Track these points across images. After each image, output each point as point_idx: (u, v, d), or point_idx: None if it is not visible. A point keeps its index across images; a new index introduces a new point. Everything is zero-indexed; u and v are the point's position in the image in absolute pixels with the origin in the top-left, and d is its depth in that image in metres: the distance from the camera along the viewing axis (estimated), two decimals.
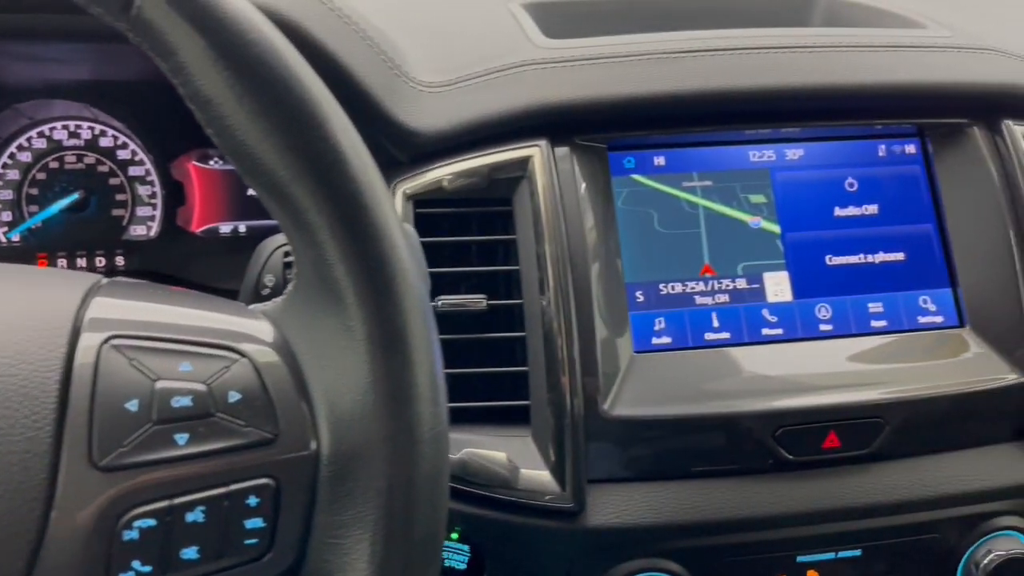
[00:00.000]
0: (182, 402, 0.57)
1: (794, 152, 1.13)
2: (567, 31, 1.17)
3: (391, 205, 0.62)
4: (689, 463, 1.02)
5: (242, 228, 1.36)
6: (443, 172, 1.04)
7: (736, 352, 1.06)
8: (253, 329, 0.63)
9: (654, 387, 1.02)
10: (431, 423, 0.60)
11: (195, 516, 0.56)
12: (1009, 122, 1.13)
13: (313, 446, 0.60)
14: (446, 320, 1.02)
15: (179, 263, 1.34)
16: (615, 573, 1.00)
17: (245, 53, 0.58)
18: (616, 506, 1.00)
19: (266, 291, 0.85)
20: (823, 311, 1.09)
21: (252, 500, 0.58)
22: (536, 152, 1.03)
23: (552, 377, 0.99)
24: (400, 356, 0.60)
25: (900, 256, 1.12)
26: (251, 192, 1.36)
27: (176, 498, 0.56)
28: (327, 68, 0.99)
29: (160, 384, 0.57)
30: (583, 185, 1.06)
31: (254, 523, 0.58)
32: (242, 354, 0.60)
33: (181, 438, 0.57)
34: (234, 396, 0.58)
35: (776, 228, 1.11)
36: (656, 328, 1.06)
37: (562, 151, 1.05)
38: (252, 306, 0.66)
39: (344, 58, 0.99)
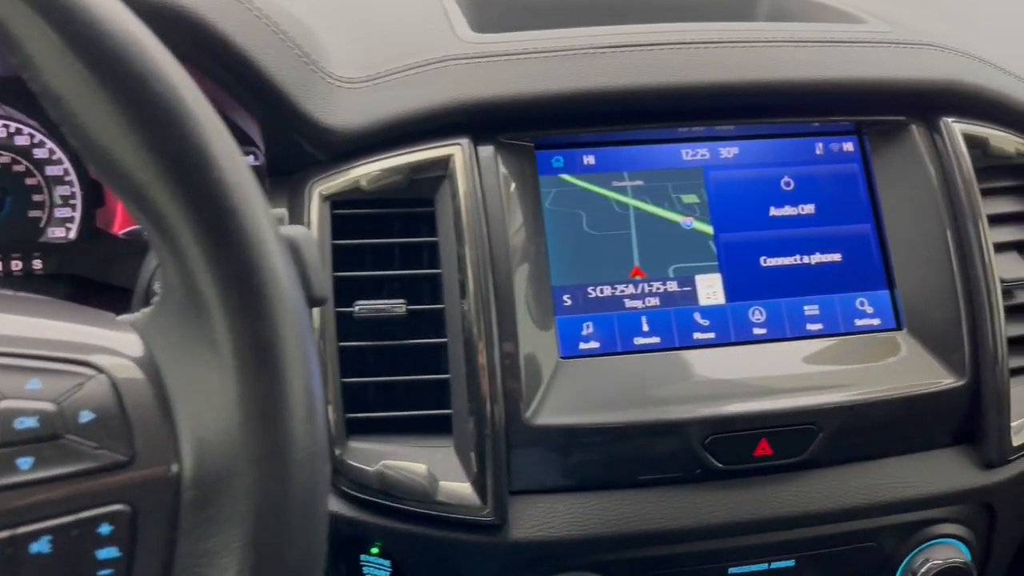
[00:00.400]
0: (27, 423, 0.53)
1: (728, 150, 1.10)
2: (500, 25, 1.13)
3: (263, 208, 0.58)
4: (616, 473, 0.99)
5: None
6: (362, 171, 1.00)
7: (666, 357, 1.02)
8: (116, 342, 0.58)
9: (580, 394, 0.98)
10: (305, 443, 0.56)
11: (40, 547, 0.52)
12: (948, 119, 1.10)
13: (174, 469, 0.55)
14: (365, 326, 0.98)
15: (100, 266, 1.29)
16: None
17: (99, 46, 0.54)
18: (540, 518, 0.96)
19: (156, 299, 0.81)
20: (757, 314, 1.06)
21: (105, 528, 0.53)
22: (457, 151, 0.99)
23: (473, 385, 0.95)
24: (269, 371, 0.56)
25: (837, 257, 1.09)
26: None
27: (19, 528, 0.51)
28: (234, 64, 0.95)
29: (2, 404, 0.53)
30: (509, 185, 1.02)
31: (108, 553, 0.53)
32: (99, 369, 0.56)
33: (24, 462, 0.52)
34: (86, 416, 0.54)
35: (709, 229, 1.08)
36: (584, 333, 1.02)
37: (486, 150, 1.02)
38: (121, 317, 0.62)
39: (252, 52, 0.95)
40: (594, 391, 0.99)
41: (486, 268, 0.96)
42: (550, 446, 0.97)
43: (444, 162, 0.99)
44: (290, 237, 0.62)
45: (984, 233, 1.06)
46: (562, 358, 1.01)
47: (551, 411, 0.97)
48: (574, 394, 0.98)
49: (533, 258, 1.02)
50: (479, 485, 0.94)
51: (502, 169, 1.02)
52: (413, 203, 1.02)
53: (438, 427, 0.98)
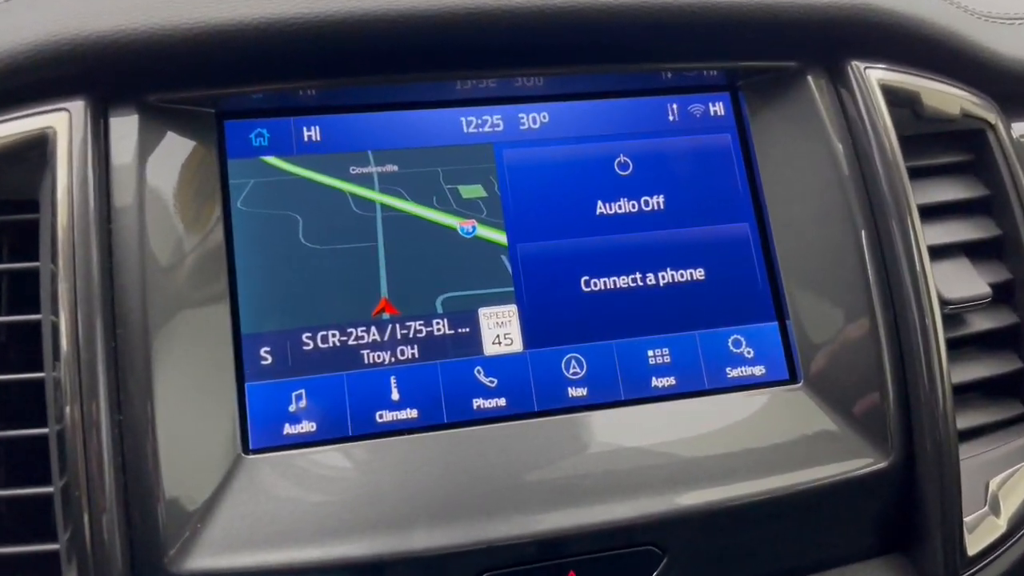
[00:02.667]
0: None
1: (531, 118, 0.73)
2: None
3: None
4: None
5: None
6: None
7: (426, 443, 0.65)
8: None
9: (271, 513, 0.60)
10: None
11: None
12: (858, 64, 0.74)
13: None
14: None
15: None
16: None
17: None
18: None
19: None
20: (574, 367, 0.69)
21: None
22: (59, 122, 0.61)
23: (71, 508, 0.56)
24: None
25: (699, 274, 0.72)
26: None
27: None
28: None
29: None
30: (166, 174, 0.64)
31: None
32: None
33: None
34: None
35: (501, 237, 0.70)
36: (293, 408, 0.64)
37: (122, 119, 0.63)
38: None
39: None
40: (297, 507, 0.61)
41: (93, 313, 0.58)
42: None
43: (40, 141, 0.61)
44: None
45: (915, 233, 0.71)
46: (249, 452, 0.63)
47: (214, 548, 0.58)
48: (261, 515, 0.60)
49: (205, 290, 0.63)
50: None
51: (155, 148, 0.64)
52: (7, 206, 0.63)
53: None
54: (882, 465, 0.68)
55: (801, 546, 0.68)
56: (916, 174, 0.76)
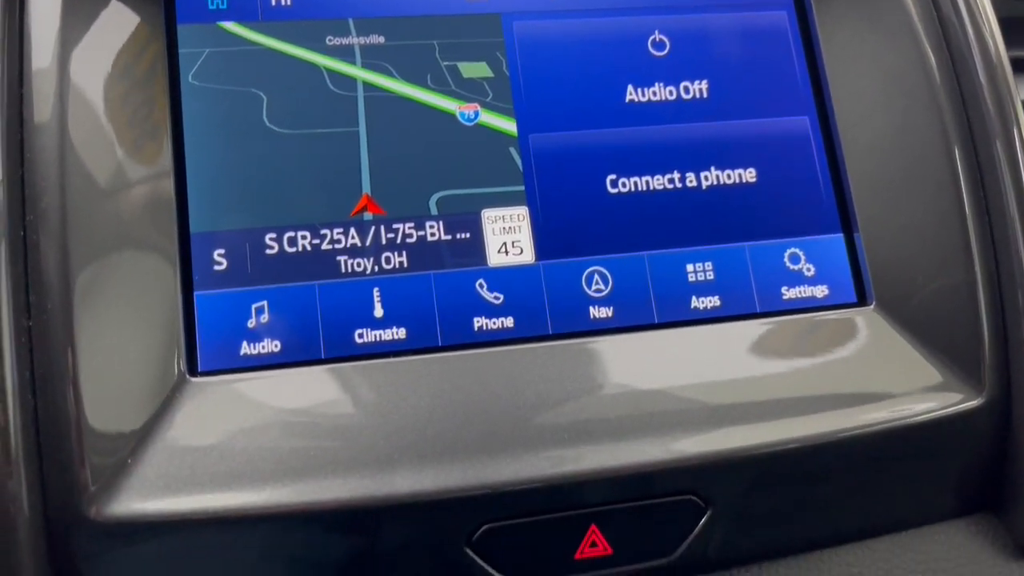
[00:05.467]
0: None
1: None
2: None
3: None
4: None
5: None
6: None
7: (415, 369, 0.53)
8: None
9: (220, 449, 0.48)
10: None
11: None
12: None
13: None
14: None
15: None
16: None
17: None
18: None
19: None
20: (596, 282, 0.57)
21: None
22: None
23: None
24: None
25: (748, 175, 0.60)
26: None
27: None
28: None
29: None
30: (102, 37, 0.52)
31: None
32: None
33: None
34: None
35: (509, 125, 0.58)
36: (252, 323, 0.53)
37: None
38: None
39: None
40: (253, 441, 0.49)
41: (14, 203, 0.46)
42: (141, 558, 0.47)
43: None
44: None
45: (1021, 136, 0.57)
46: (196, 375, 0.51)
47: (147, 489, 0.47)
48: (208, 450, 0.48)
49: (143, 178, 0.52)
50: None
51: (83, 4, 0.52)
52: None
53: None
54: (973, 404, 0.55)
55: (871, 502, 0.56)
56: (1017, 67, 0.63)
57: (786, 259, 0.59)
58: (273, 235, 0.54)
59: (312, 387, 0.51)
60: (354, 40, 0.57)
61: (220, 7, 0.56)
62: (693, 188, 0.59)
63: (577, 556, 0.50)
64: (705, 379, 0.54)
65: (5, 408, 0.45)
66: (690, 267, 0.58)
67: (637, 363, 0.54)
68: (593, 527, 0.50)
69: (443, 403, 0.51)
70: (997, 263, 0.57)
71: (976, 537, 0.58)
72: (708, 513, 0.52)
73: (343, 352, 0.53)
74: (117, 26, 0.53)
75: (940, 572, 0.57)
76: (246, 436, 0.49)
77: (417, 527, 0.48)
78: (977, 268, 0.57)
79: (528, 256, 0.56)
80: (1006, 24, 0.62)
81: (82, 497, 0.46)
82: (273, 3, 0.57)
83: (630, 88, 0.60)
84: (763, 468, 0.52)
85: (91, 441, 0.46)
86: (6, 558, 0.45)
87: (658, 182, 0.59)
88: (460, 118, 0.57)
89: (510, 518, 0.49)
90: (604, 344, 0.55)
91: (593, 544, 0.50)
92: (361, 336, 0.53)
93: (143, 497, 0.46)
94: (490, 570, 0.49)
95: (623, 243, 0.57)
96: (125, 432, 0.47)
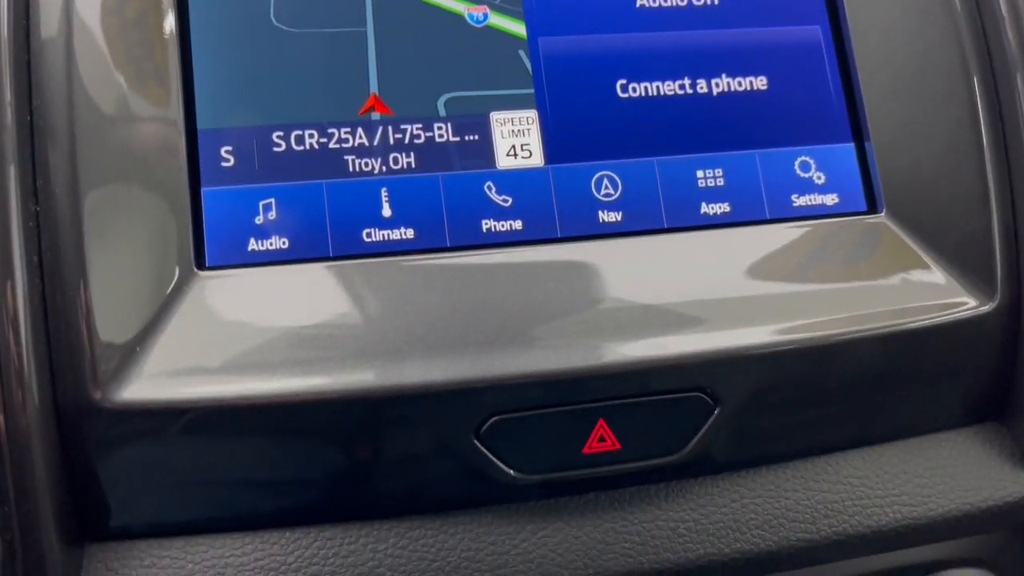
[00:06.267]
0: None
1: None
2: None
3: None
4: (301, 495, 0.50)
5: None
6: None
7: (424, 267, 0.52)
8: None
9: (229, 339, 0.48)
10: None
11: None
12: None
13: None
14: None
15: None
16: None
17: None
18: None
19: None
20: (606, 186, 0.56)
21: None
22: None
23: None
24: None
25: (759, 83, 0.60)
26: None
27: None
28: None
29: None
30: None
31: None
32: None
33: None
34: None
35: (519, 28, 0.57)
36: (260, 220, 0.52)
37: None
38: None
39: None
40: (262, 332, 0.49)
41: (21, 98, 0.46)
42: (151, 445, 0.47)
43: None
44: None
45: None
46: (205, 268, 0.51)
47: (155, 376, 0.47)
48: (217, 339, 0.48)
49: (149, 72, 0.51)
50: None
51: None
52: None
53: None
54: (985, 309, 0.55)
55: (879, 407, 0.56)
56: None
57: (796, 167, 0.59)
58: (280, 133, 0.54)
59: (320, 283, 0.51)
60: None
61: None
62: (704, 95, 0.59)
63: (585, 451, 0.50)
64: (715, 281, 0.54)
65: (13, 291, 0.44)
66: (700, 173, 0.57)
67: (646, 265, 0.54)
68: (601, 422, 0.50)
69: (452, 300, 0.51)
70: (1010, 169, 0.57)
71: (983, 445, 0.58)
72: (716, 411, 0.51)
73: (351, 251, 0.53)
74: None
75: (946, 479, 0.57)
76: (254, 328, 0.49)
77: (425, 418, 0.48)
78: (989, 175, 0.57)
79: (537, 159, 0.56)
80: None
81: (91, 383, 0.46)
82: None
83: None
84: (772, 367, 0.52)
85: (100, 328, 0.46)
86: (16, 445, 0.45)
87: (668, 88, 0.58)
88: (469, 19, 0.57)
89: (518, 410, 0.49)
90: (613, 247, 0.55)
91: (601, 439, 0.50)
92: (369, 236, 0.53)
93: (152, 384, 0.46)
94: (497, 462, 0.49)
95: (633, 148, 0.57)
96: (134, 321, 0.47)
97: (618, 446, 0.51)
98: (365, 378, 0.48)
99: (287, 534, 0.49)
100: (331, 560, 0.49)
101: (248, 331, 0.49)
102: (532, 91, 0.57)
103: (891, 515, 0.55)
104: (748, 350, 0.51)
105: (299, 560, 0.49)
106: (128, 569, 0.48)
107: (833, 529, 0.54)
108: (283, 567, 0.48)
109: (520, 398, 0.49)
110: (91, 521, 0.48)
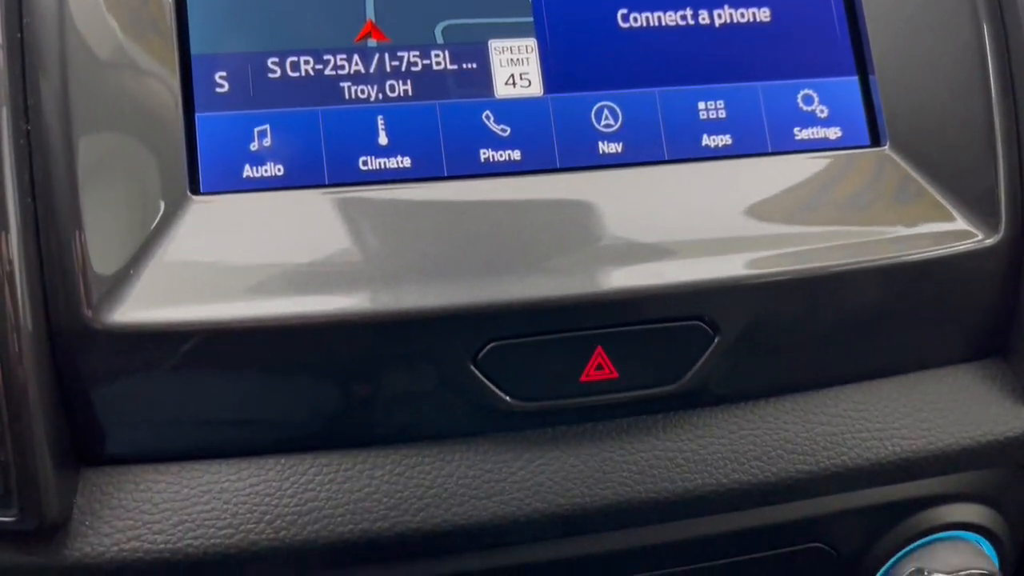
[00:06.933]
0: None
1: None
2: None
3: None
4: (296, 421, 0.49)
5: None
6: None
7: (421, 195, 0.52)
8: None
9: (224, 263, 0.48)
10: None
11: None
12: None
13: None
14: None
15: None
16: None
17: None
18: (136, 513, 0.47)
19: None
20: (606, 117, 0.55)
21: None
22: None
23: None
24: None
25: (762, 15, 0.59)
26: None
27: None
28: None
29: None
30: None
31: None
32: None
33: None
34: None
35: None
36: (254, 146, 0.52)
37: None
38: None
39: None
40: (258, 256, 0.48)
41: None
42: (144, 369, 0.47)
43: None
44: None
45: None
46: (199, 193, 0.50)
47: (149, 299, 0.46)
48: (212, 263, 0.48)
49: (142, 1, 0.50)
50: None
51: None
52: None
53: None
54: (989, 243, 0.55)
55: (880, 340, 0.56)
56: None
57: (799, 100, 0.58)
58: (275, 59, 0.53)
59: (316, 208, 0.50)
60: None
61: None
62: (706, 25, 0.58)
63: (583, 379, 0.50)
64: (715, 212, 0.53)
65: (4, 208, 0.44)
66: (701, 105, 0.57)
67: (646, 196, 0.54)
68: (599, 349, 0.50)
69: (449, 227, 0.50)
70: (1015, 102, 0.56)
71: (984, 381, 0.58)
72: (716, 340, 0.51)
73: (347, 179, 0.52)
74: None
75: (947, 413, 0.57)
76: (249, 252, 0.48)
77: (422, 343, 0.48)
78: (995, 107, 0.56)
79: (536, 89, 0.55)
80: None
81: (84, 306, 0.45)
82: None
83: None
84: (772, 297, 0.52)
85: (92, 249, 0.46)
86: (10, 368, 0.45)
87: (670, 18, 0.57)
88: None
89: (516, 337, 0.49)
90: (613, 178, 0.54)
91: (599, 367, 0.50)
92: (365, 163, 0.52)
93: (145, 307, 0.46)
94: (495, 389, 0.49)
95: (634, 79, 0.56)
96: (127, 244, 0.47)
97: (616, 375, 0.50)
98: (361, 303, 0.47)
99: (283, 460, 0.49)
100: (327, 486, 0.49)
101: (243, 256, 0.48)
102: (531, 19, 0.56)
103: (890, 448, 0.55)
104: (747, 279, 0.51)
105: (295, 486, 0.49)
106: (123, 494, 0.48)
107: (832, 461, 0.54)
108: (279, 492, 0.48)
109: (518, 324, 0.48)
110: (86, 445, 0.48)
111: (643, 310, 0.50)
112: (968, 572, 0.56)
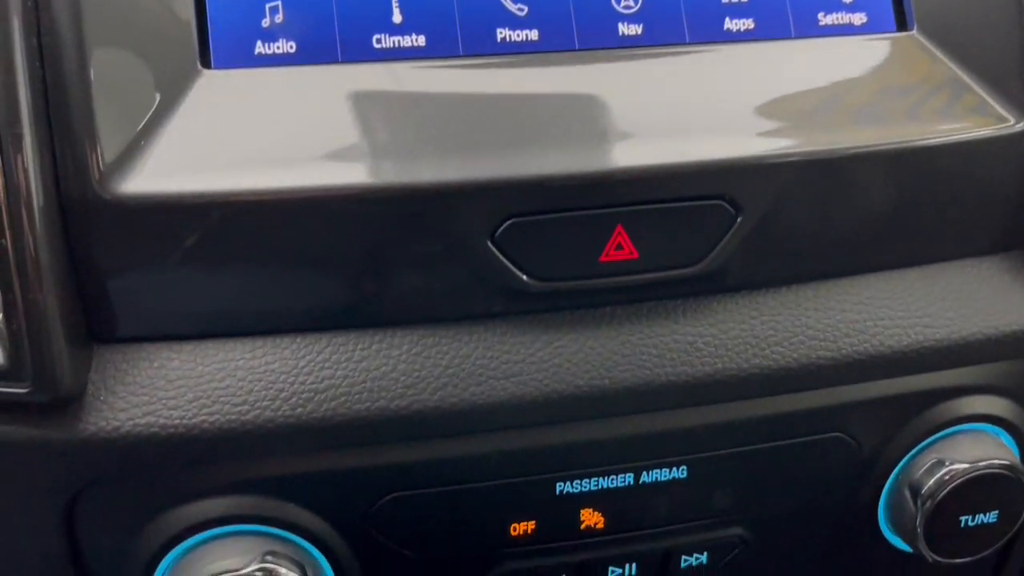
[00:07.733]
0: None
1: None
2: None
3: None
4: (312, 298, 0.49)
5: None
6: None
7: (436, 73, 0.51)
8: None
9: (236, 134, 0.47)
10: None
11: None
12: None
13: None
14: None
15: None
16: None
17: None
18: (148, 389, 0.47)
19: None
20: None
21: None
22: None
23: None
24: None
25: None
26: None
27: None
28: None
29: None
30: None
31: None
32: None
33: None
34: None
35: None
36: (267, 23, 0.50)
37: None
38: None
39: None
40: (271, 128, 0.47)
41: None
42: (155, 241, 0.46)
43: None
44: None
45: None
46: (211, 68, 0.49)
47: (160, 169, 0.45)
48: (223, 135, 0.47)
49: None
50: (7, 326, 0.44)
51: None
52: None
53: None
54: (1019, 127, 0.53)
55: (903, 228, 0.55)
56: None
57: None
58: None
59: (330, 84, 0.49)
60: None
61: None
62: None
63: (602, 259, 0.49)
64: (738, 94, 0.52)
65: (12, 72, 0.43)
66: None
67: (667, 77, 0.52)
68: (620, 228, 0.49)
69: (466, 104, 0.49)
70: None
71: (1007, 273, 0.57)
72: (738, 221, 0.50)
73: (361, 57, 0.51)
74: None
75: (969, 303, 0.56)
76: (261, 124, 0.47)
77: (439, 219, 0.47)
78: None
79: None
80: None
81: (94, 175, 0.44)
82: None
83: None
84: (796, 177, 0.51)
85: (102, 118, 0.45)
86: (22, 239, 0.44)
87: None
88: None
89: (536, 213, 0.48)
90: (633, 58, 0.53)
91: (619, 247, 0.49)
92: (379, 41, 0.51)
93: (156, 177, 0.45)
94: (512, 268, 0.48)
95: None
96: (137, 114, 0.46)
97: (636, 255, 0.49)
98: (378, 176, 0.46)
99: (298, 339, 0.48)
100: (343, 364, 0.48)
101: (254, 128, 0.47)
102: None
103: (912, 336, 0.54)
104: (771, 157, 0.50)
105: (311, 364, 0.48)
106: (137, 370, 0.47)
107: (854, 349, 0.53)
108: (294, 370, 0.48)
109: (537, 200, 0.47)
110: (99, 322, 0.47)
111: (665, 188, 0.49)
112: (988, 463, 0.55)
